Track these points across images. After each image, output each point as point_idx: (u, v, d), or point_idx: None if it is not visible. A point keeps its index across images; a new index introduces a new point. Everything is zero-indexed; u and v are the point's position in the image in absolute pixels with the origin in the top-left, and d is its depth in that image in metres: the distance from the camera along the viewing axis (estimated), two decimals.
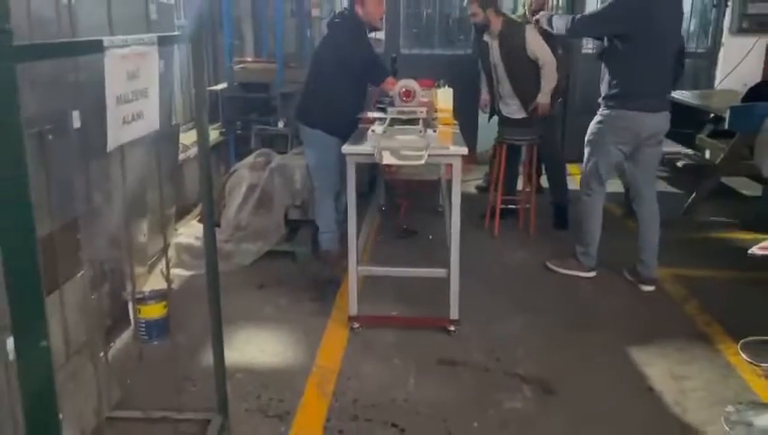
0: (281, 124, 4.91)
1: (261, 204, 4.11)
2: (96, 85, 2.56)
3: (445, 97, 3.68)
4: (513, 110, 4.66)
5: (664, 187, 6.11)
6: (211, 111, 5.73)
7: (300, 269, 4.01)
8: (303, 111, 4.05)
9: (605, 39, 3.67)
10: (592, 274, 3.91)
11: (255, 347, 3.08)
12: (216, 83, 5.59)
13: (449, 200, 4.66)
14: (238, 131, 5.27)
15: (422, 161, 2.81)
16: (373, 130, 2.99)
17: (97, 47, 1.34)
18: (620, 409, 2.64)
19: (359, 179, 4.95)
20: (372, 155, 2.87)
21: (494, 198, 4.72)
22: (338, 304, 3.51)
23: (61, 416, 2.15)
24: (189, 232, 4.22)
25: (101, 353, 2.48)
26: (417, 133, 2.93)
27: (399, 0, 7.00)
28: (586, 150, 3.79)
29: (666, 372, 2.88)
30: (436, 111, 3.68)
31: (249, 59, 5.80)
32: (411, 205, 5.02)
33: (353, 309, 3.21)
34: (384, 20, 4.03)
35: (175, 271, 3.96)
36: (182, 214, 4.68)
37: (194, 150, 5.12)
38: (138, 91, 1.59)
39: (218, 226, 4.27)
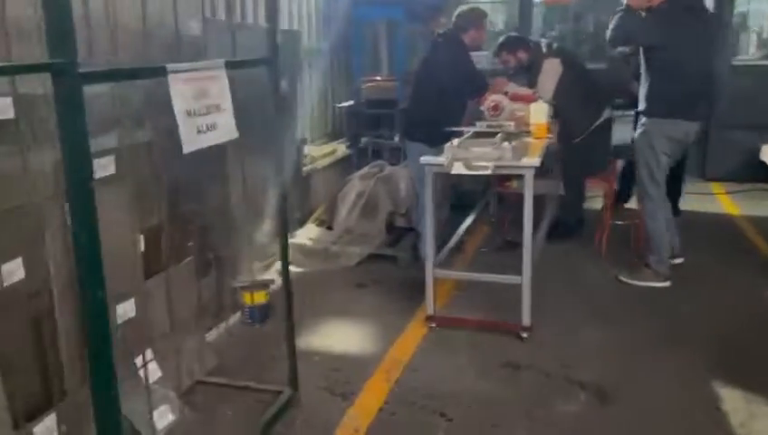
0: (397, 138, 5.25)
1: (366, 210, 4.48)
2: None
3: (538, 111, 3.78)
4: None
5: None
6: (341, 126, 6.26)
7: (399, 272, 4.30)
8: (407, 125, 4.38)
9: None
10: (668, 283, 3.91)
11: (338, 336, 3.42)
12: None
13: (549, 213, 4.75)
14: (360, 146, 5.70)
15: (488, 171, 2.98)
16: (452, 143, 3.21)
17: (161, 72, 1.74)
18: (675, 423, 2.60)
19: (465, 191, 5.19)
20: (443, 165, 3.09)
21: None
22: (424, 306, 3.74)
23: (159, 372, 2.63)
24: (305, 234, 4.68)
25: (200, 327, 2.96)
26: (491, 145, 3.10)
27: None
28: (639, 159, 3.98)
29: (740, 394, 2.77)
30: (527, 124, 3.79)
31: (379, 78, 6.24)
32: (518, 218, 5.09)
33: (430, 309, 3.43)
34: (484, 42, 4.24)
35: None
36: (307, 218, 5.17)
37: (322, 162, 5.66)
38: (210, 105, 1.99)
39: (331, 229, 4.71)
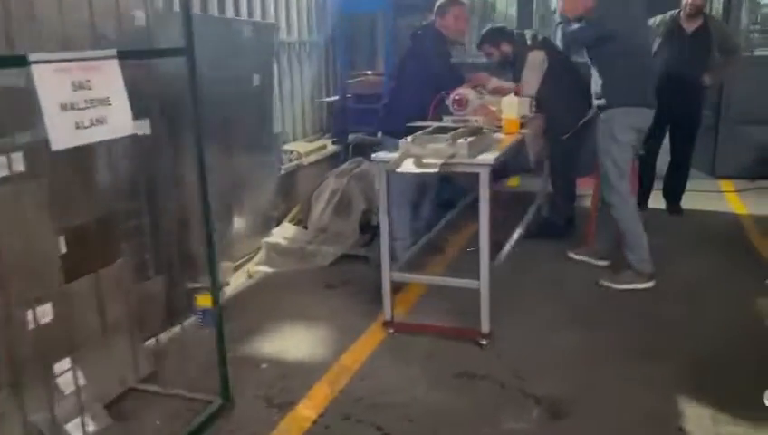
0: (380, 134, 5.07)
1: (340, 208, 4.32)
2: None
3: (509, 105, 3.56)
4: None
5: None
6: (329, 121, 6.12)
7: (370, 273, 4.11)
8: (383, 120, 4.21)
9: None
10: (652, 282, 3.73)
11: (293, 341, 3.27)
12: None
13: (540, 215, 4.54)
14: (348, 142, 5.54)
15: (435, 170, 2.78)
16: (407, 139, 3.03)
17: (21, 62, 1.60)
18: None
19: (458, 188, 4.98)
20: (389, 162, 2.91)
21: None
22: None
23: (83, 379, 2.51)
24: (281, 233, 4.54)
25: (139, 332, 2.83)
26: (445, 142, 2.91)
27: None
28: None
29: (707, 414, 2.54)
30: (499, 119, 3.59)
31: (370, 72, 6.07)
32: (508, 216, 4.87)
33: (387, 314, 3.26)
34: (465, 33, 4.01)
35: (261, 268, 4.30)
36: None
37: (309, 158, 5.51)
38: (94, 99, 1.84)
39: (306, 228, 4.56)
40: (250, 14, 5.17)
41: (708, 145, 6.33)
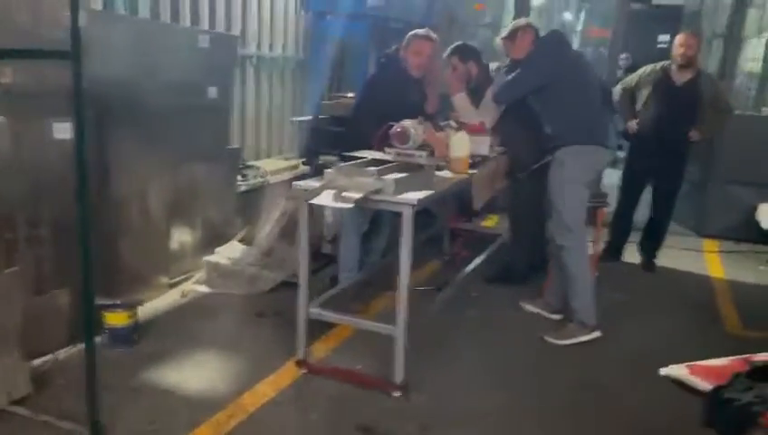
0: None
1: (286, 232, 4.13)
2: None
3: (459, 143, 3.37)
4: None
5: None
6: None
7: None
8: (341, 147, 4.04)
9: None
10: (597, 333, 3.58)
11: (199, 371, 3.06)
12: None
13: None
14: (319, 163, 5.37)
15: (351, 205, 2.59)
16: (333, 168, 2.84)
17: None
18: None
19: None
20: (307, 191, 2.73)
21: None
22: (314, 346, 3.35)
23: None
24: (227, 252, 4.35)
25: (14, 349, 2.64)
26: (372, 176, 2.72)
27: None
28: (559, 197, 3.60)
29: None
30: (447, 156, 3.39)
31: (350, 94, 5.91)
32: (471, 257, 4.66)
33: (300, 353, 3.06)
34: (424, 69, 3.82)
35: (198, 287, 4.12)
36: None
37: (278, 176, 5.36)
38: None
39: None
40: (228, 27, 5.06)
41: (696, 202, 6.10)
